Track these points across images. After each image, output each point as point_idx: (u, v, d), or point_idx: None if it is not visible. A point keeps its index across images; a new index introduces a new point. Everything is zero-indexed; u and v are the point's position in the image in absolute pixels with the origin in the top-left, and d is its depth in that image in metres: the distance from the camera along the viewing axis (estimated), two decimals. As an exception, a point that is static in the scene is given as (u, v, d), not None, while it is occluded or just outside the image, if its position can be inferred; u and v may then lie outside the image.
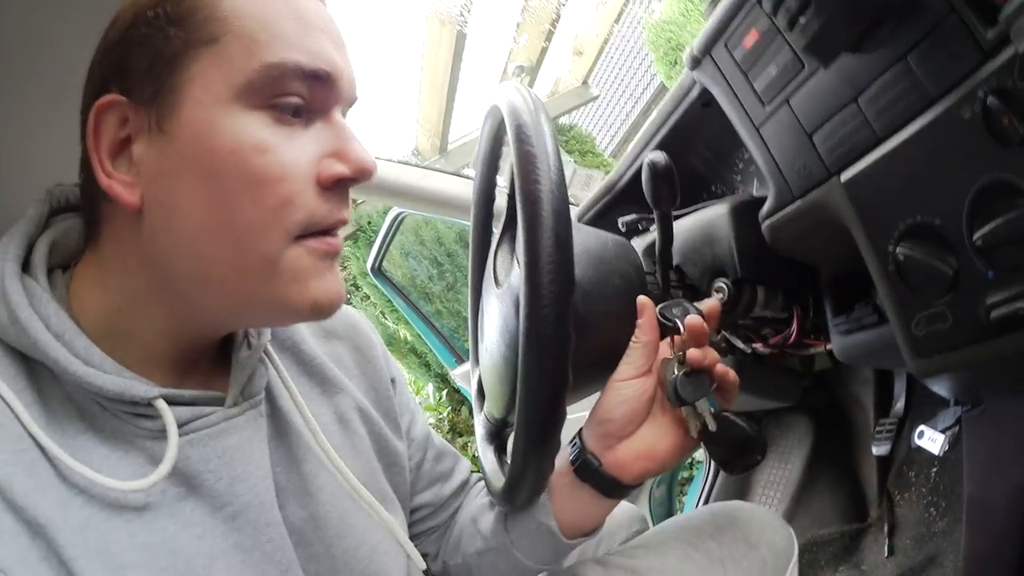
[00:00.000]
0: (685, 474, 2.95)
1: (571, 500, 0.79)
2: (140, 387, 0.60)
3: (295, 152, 0.60)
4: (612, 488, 0.77)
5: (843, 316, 0.94)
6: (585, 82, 6.82)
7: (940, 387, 0.81)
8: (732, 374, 0.76)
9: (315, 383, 0.80)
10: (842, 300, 0.96)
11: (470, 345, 1.04)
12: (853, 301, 0.93)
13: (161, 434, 0.61)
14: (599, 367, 0.79)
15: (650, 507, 2.07)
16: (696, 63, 0.92)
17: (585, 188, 5.07)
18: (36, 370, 0.60)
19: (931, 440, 1.43)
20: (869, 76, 0.70)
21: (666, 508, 2.13)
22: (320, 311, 0.63)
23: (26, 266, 0.61)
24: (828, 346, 1.02)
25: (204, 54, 0.57)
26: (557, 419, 0.68)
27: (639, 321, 0.78)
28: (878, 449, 1.57)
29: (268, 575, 0.64)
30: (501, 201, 0.93)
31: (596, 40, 6.26)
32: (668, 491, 2.14)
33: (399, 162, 2.46)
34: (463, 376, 2.90)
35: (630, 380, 0.77)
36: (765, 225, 0.91)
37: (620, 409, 0.76)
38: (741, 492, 1.80)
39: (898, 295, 0.73)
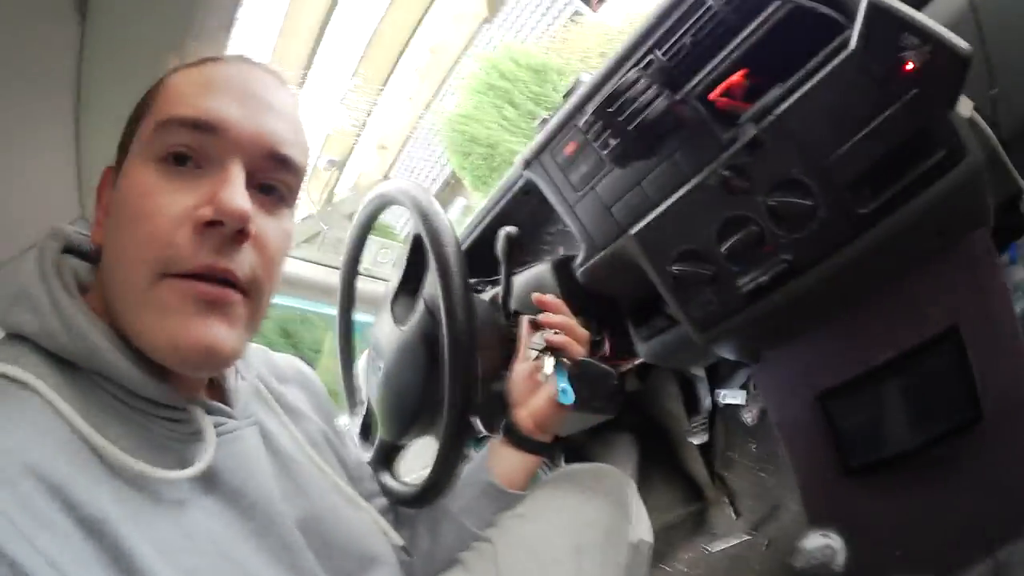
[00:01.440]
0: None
1: (502, 459, 1.02)
2: (179, 395, 0.69)
3: (173, 196, 0.65)
4: (523, 441, 1.02)
5: (644, 327, 1.30)
6: (387, 176, 7.05)
7: (726, 351, 1.19)
8: (565, 338, 1.03)
9: (286, 411, 0.89)
10: (641, 317, 1.31)
11: (346, 396, 1.26)
12: (649, 317, 1.29)
13: (191, 437, 0.69)
14: (486, 371, 1.05)
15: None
16: (527, 164, 1.26)
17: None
18: (80, 378, 0.64)
19: (732, 396, 1.85)
20: (648, 168, 1.09)
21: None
22: (182, 357, 0.65)
23: None
24: (637, 361, 1.38)
25: (143, 121, 0.69)
26: (468, 421, 0.94)
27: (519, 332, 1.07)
28: (697, 439, 1.92)
29: (283, 557, 0.72)
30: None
31: (400, 135, 6.46)
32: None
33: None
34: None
35: (515, 367, 1.06)
36: (580, 271, 1.25)
37: (515, 387, 1.05)
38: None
39: (679, 296, 1.10)
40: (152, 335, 0.64)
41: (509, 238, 1.14)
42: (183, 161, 0.66)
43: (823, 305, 1.10)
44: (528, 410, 1.03)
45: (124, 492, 0.60)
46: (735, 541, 1.88)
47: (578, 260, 1.24)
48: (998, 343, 1.08)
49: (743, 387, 1.89)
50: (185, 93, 0.69)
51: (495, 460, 1.02)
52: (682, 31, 1.02)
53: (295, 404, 0.93)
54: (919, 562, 1.21)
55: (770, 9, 0.97)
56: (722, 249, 1.04)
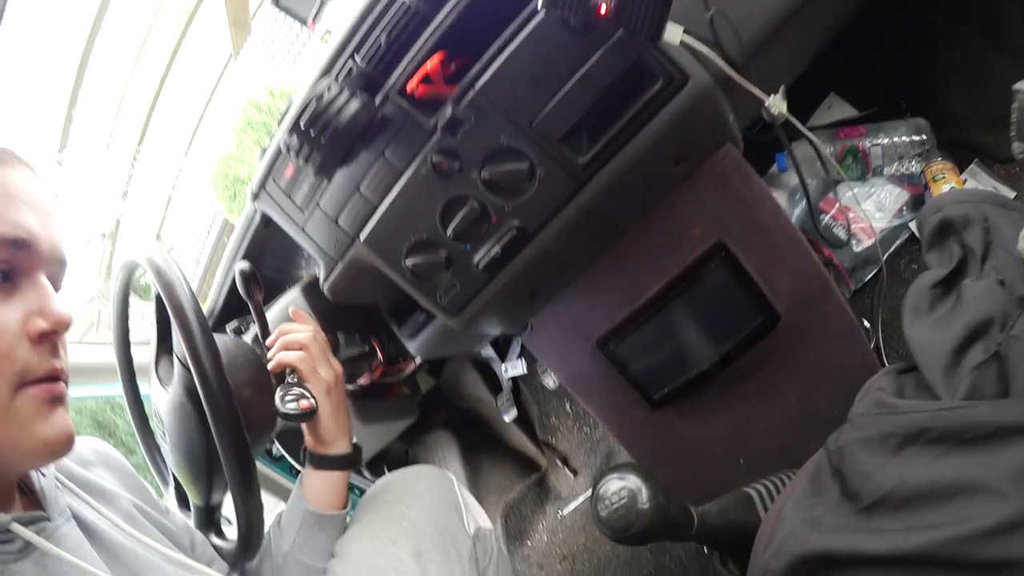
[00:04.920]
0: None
1: (312, 484, 1.05)
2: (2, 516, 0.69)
3: (5, 314, 0.68)
4: (320, 460, 1.05)
5: (406, 327, 1.29)
6: (158, 236, 6.72)
7: (490, 327, 1.19)
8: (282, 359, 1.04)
9: (95, 496, 0.88)
10: (402, 317, 1.30)
11: (154, 472, 1.20)
12: (407, 315, 1.28)
13: (19, 555, 0.69)
14: (263, 410, 1.03)
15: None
16: (256, 196, 1.21)
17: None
18: None
19: (513, 368, 1.88)
20: (362, 172, 1.06)
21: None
22: (54, 451, 0.71)
23: None
24: (417, 361, 1.39)
25: None
26: (250, 464, 0.91)
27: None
28: (509, 416, 1.94)
29: None
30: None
31: (164, 192, 6.18)
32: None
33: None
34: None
35: None
36: (324, 288, 1.22)
37: None
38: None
39: (422, 289, 1.10)
40: (21, 444, 0.68)
41: (243, 275, 1.10)
42: (8, 277, 0.70)
43: (572, 259, 1.12)
44: (308, 430, 1.06)
45: None
46: (583, 497, 1.94)
47: (321, 277, 1.21)
48: (773, 246, 1.14)
49: (520, 355, 1.93)
50: None
51: (307, 487, 1.05)
52: (377, 32, 1.01)
53: (103, 486, 0.91)
54: (757, 468, 1.27)
55: None
56: (448, 233, 1.04)
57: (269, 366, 1.05)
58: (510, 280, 1.06)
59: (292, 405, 0.98)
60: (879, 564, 0.75)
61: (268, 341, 1.07)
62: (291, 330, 1.08)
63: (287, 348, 1.06)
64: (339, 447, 1.06)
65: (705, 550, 1.70)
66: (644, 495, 0.97)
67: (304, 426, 1.07)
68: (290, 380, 1.03)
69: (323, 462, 1.05)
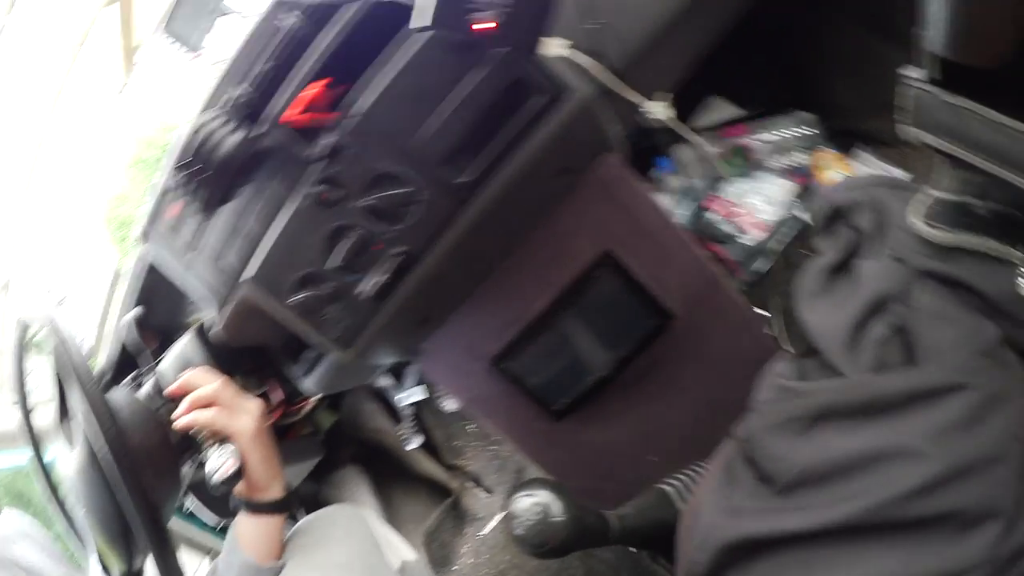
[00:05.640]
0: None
1: (246, 533, 1.00)
2: None
3: None
4: (255, 507, 1.00)
5: (299, 365, 1.25)
6: (50, 287, 6.49)
7: (383, 357, 1.18)
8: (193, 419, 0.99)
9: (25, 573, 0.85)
10: (295, 355, 1.26)
11: (73, 543, 1.13)
12: (300, 352, 1.25)
13: None
14: (168, 467, 1.00)
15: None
16: (144, 238, 1.16)
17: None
18: None
19: (412, 395, 1.89)
20: (246, 207, 1.03)
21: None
22: None
23: None
24: (315, 398, 1.38)
25: None
26: (160, 520, 0.87)
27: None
28: (414, 443, 1.95)
29: None
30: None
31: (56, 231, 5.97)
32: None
33: None
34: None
35: None
36: (216, 331, 1.17)
37: None
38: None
39: (311, 324, 1.06)
40: None
41: (136, 324, 1.05)
42: None
43: (460, 280, 1.11)
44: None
45: None
46: (500, 515, 1.93)
47: (210, 321, 1.18)
48: (660, 248, 1.16)
49: (419, 383, 1.93)
50: None
51: (242, 536, 1.00)
52: (259, 59, 0.98)
53: (30, 563, 0.90)
54: (670, 463, 1.26)
55: (343, 13, 0.95)
56: (334, 264, 1.01)
57: (177, 425, 0.99)
58: (399, 307, 1.05)
59: (219, 474, 0.94)
60: (807, 540, 0.77)
61: (172, 398, 1.02)
62: (195, 385, 1.02)
63: (195, 406, 1.00)
64: (274, 491, 1.01)
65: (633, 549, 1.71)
66: (556, 508, 0.97)
67: None
68: (209, 441, 0.98)
69: (259, 508, 1.00)
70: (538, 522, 0.97)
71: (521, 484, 1.01)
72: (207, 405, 0.99)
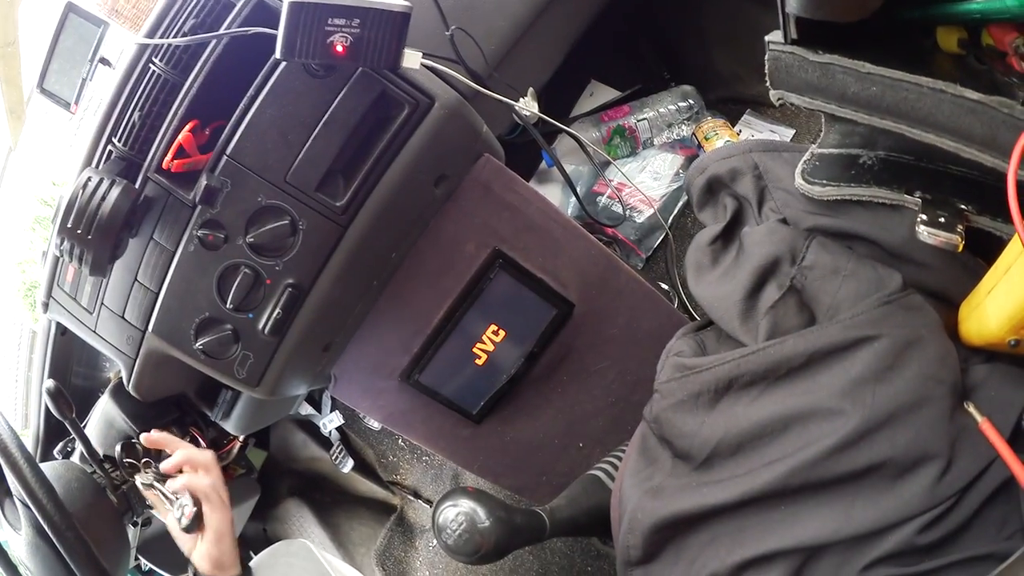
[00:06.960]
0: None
1: None
2: None
3: None
4: None
5: (217, 408, 1.25)
6: None
7: (294, 390, 1.17)
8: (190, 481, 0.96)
9: None
10: (211, 399, 1.26)
11: None
12: (215, 395, 1.24)
13: None
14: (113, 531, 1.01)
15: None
16: (46, 306, 1.15)
17: None
18: None
19: (331, 419, 1.90)
20: (137, 261, 1.02)
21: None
22: None
23: None
24: (241, 438, 1.37)
25: None
26: None
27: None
28: (347, 467, 1.95)
29: None
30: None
31: None
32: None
33: None
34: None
35: (166, 522, 0.97)
36: (130, 388, 1.15)
37: (177, 540, 0.96)
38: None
39: (218, 367, 1.06)
40: None
41: (51, 396, 1.03)
42: None
43: (354, 301, 1.11)
44: (199, 554, 0.94)
45: None
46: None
47: (124, 378, 1.15)
48: (551, 240, 1.17)
49: (333, 408, 1.93)
50: None
51: None
52: (130, 110, 0.97)
53: None
54: (598, 448, 1.31)
55: (207, 51, 0.94)
56: (228, 305, 1.01)
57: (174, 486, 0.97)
58: (299, 338, 1.05)
59: (184, 520, 0.93)
60: (733, 510, 0.78)
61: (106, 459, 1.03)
62: (168, 443, 1.01)
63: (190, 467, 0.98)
64: (231, 569, 0.95)
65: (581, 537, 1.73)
66: (481, 514, 0.98)
67: (197, 551, 0.96)
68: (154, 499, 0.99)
69: None
70: (465, 530, 0.98)
71: (442, 496, 1.02)
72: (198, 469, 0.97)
